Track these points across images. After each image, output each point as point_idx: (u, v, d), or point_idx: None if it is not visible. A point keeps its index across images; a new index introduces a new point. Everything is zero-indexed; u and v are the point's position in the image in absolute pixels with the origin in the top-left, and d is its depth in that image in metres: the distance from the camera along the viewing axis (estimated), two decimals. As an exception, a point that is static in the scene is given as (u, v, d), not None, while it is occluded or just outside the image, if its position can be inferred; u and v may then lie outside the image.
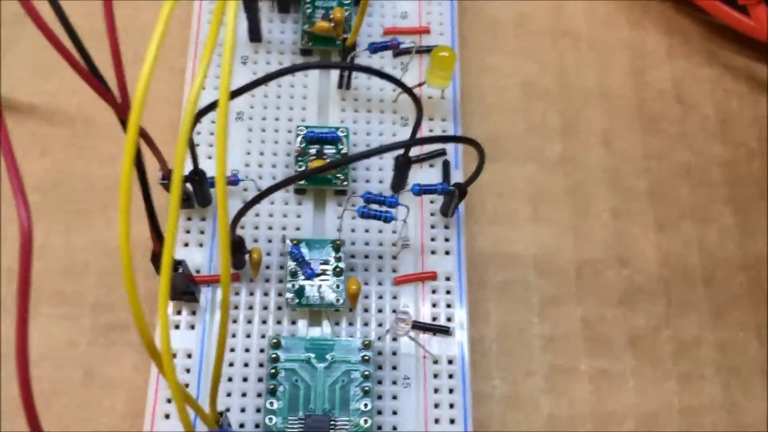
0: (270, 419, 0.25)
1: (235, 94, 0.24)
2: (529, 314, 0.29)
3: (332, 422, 0.24)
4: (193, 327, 0.26)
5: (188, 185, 0.27)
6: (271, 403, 0.25)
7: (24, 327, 0.16)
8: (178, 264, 0.25)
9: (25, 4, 0.18)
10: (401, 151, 0.27)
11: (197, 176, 0.26)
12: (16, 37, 0.32)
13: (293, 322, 0.27)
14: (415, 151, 0.28)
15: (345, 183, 0.28)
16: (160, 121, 0.28)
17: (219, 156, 0.17)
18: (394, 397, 0.26)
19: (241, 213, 0.25)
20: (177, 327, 0.26)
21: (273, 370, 0.25)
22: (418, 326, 0.26)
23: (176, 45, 0.32)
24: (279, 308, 0.27)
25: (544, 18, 0.35)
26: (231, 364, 0.26)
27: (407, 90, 0.25)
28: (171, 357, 0.18)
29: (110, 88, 0.21)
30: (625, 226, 0.31)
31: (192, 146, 0.26)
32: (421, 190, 0.26)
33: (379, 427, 0.25)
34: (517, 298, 0.29)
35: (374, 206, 0.26)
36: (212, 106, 0.24)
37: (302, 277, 0.26)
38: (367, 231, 0.28)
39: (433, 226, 0.28)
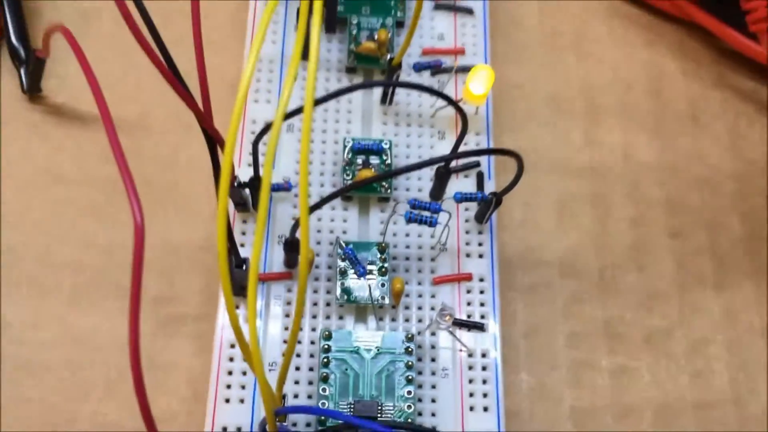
0: (323, 403, 0.27)
1: (295, 112, 0.26)
2: (554, 314, 0.32)
3: (379, 407, 0.27)
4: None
5: (246, 191, 0.29)
6: (324, 390, 0.27)
7: (136, 321, 0.18)
8: (243, 261, 0.27)
9: (120, 5, 0.20)
10: (442, 163, 0.29)
11: (257, 182, 0.29)
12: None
13: (341, 317, 0.29)
14: (452, 163, 0.31)
15: (388, 191, 0.31)
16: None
17: (302, 168, 0.19)
18: (433, 386, 0.28)
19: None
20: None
21: (325, 359, 0.28)
22: (456, 322, 0.28)
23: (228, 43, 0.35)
24: (328, 304, 0.29)
25: (569, 39, 0.37)
26: (283, 354, 0.28)
27: (455, 106, 0.28)
28: (258, 348, 0.20)
29: (194, 97, 0.23)
30: (643, 233, 0.33)
31: (255, 155, 0.28)
32: (462, 198, 0.29)
33: (420, 413, 0.28)
34: (543, 299, 0.32)
35: (419, 212, 0.29)
36: (294, 113, 0.26)
37: (351, 276, 0.29)
38: (407, 235, 0.31)
39: (468, 232, 0.31)
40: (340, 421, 0.25)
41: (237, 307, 0.29)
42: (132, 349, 0.19)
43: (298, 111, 0.25)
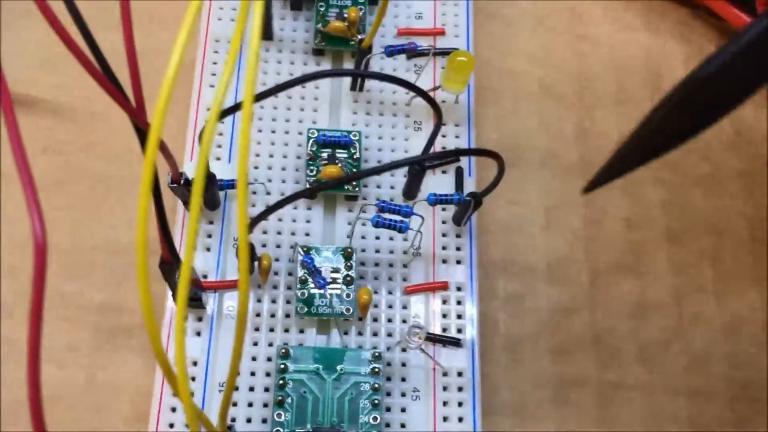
0: (278, 431, 0.24)
1: (257, 98, 0.23)
2: (539, 325, 0.29)
3: (340, 435, 0.24)
4: (199, 334, 0.26)
5: (197, 188, 0.26)
6: (279, 415, 0.24)
7: (36, 339, 0.15)
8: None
9: None
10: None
11: (208, 179, 0.26)
12: (19, 27, 0.31)
13: (301, 331, 0.26)
14: (428, 157, 0.28)
15: (356, 189, 0.28)
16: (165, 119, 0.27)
17: (241, 162, 0.16)
18: (403, 410, 0.26)
19: (257, 220, 0.24)
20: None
21: (281, 381, 0.25)
22: (430, 337, 0.25)
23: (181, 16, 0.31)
24: (287, 316, 0.26)
25: (562, 20, 0.34)
26: (237, 373, 0.25)
27: (428, 99, 0.24)
28: (186, 377, 0.17)
29: (125, 92, 0.20)
30: (639, 236, 0.30)
31: (203, 150, 0.25)
32: (437, 200, 0.26)
33: (388, 440, 0.25)
34: (527, 309, 0.29)
35: (388, 215, 0.25)
36: (235, 108, 0.23)
37: (312, 286, 0.26)
38: (377, 238, 0.28)
39: (444, 235, 0.28)
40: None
41: (185, 319, 0.26)
42: (30, 381, 0.16)
43: (237, 108, 0.22)
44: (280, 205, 0.24)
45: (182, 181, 0.25)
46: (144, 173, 0.17)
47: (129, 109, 0.20)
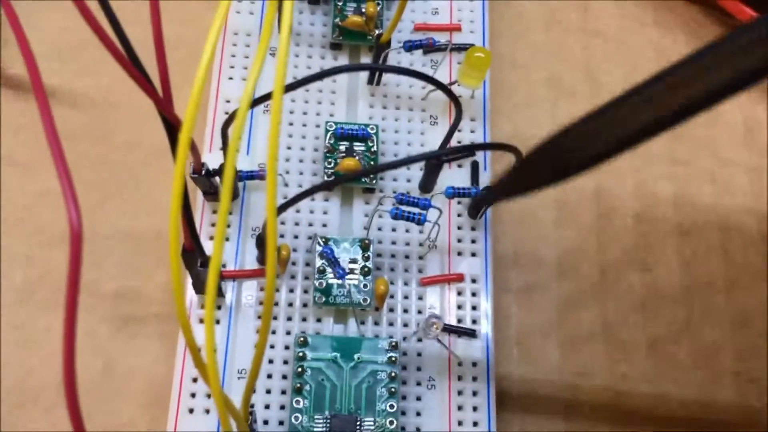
0: (296, 417, 0.25)
1: (264, 98, 0.24)
2: (550, 318, 0.29)
3: (358, 422, 0.25)
4: (218, 322, 0.26)
5: (217, 179, 0.27)
6: (297, 402, 0.25)
7: (72, 329, 0.16)
8: (207, 259, 0.24)
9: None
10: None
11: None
12: (37, 17, 0.32)
13: (318, 320, 0.27)
14: (444, 151, 0.28)
15: (374, 181, 0.28)
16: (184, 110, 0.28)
17: (271, 151, 0.17)
18: (419, 399, 0.26)
19: (279, 211, 0.24)
20: (201, 321, 0.26)
21: (299, 369, 0.25)
22: (446, 328, 0.26)
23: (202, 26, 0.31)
24: (305, 305, 0.27)
25: (573, 15, 0.34)
26: (260, 363, 0.26)
27: (448, 93, 0.25)
28: (216, 364, 0.18)
29: (151, 80, 0.20)
30: (649, 230, 0.31)
31: (225, 140, 0.26)
32: (455, 193, 0.26)
33: (403, 428, 0.25)
34: (539, 301, 0.29)
35: (406, 208, 0.26)
36: (264, 98, 0.23)
37: (330, 275, 0.26)
38: (394, 230, 0.28)
39: (459, 227, 0.28)
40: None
41: (203, 307, 0.26)
42: (66, 363, 0.16)
43: (268, 97, 0.22)
44: (291, 203, 0.25)
45: (203, 172, 0.26)
46: (176, 170, 0.17)
47: (156, 98, 0.20)
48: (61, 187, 0.16)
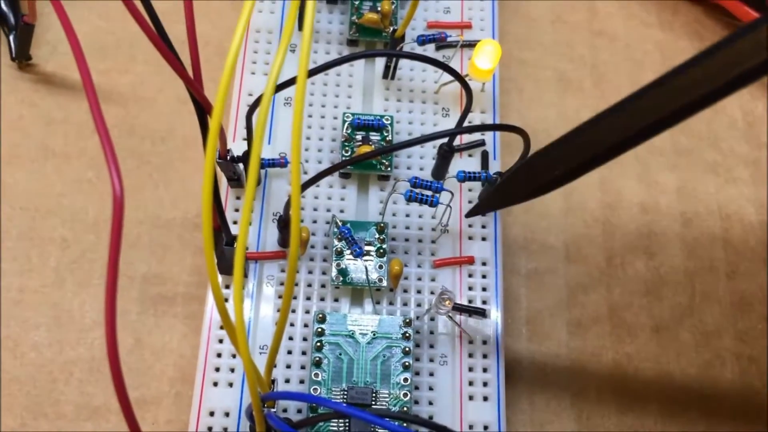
0: (315, 389, 0.26)
1: (288, 83, 0.25)
2: (559, 300, 0.30)
3: (374, 394, 0.26)
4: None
5: (240, 165, 0.28)
6: (316, 375, 0.26)
7: (113, 300, 0.17)
8: (234, 239, 0.26)
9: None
10: (445, 140, 0.28)
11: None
12: (71, 17, 0.33)
13: (336, 300, 0.28)
14: (455, 141, 0.29)
15: (389, 168, 0.29)
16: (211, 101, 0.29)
17: (294, 139, 0.18)
18: (431, 374, 0.27)
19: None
20: (226, 300, 0.28)
21: (318, 343, 0.26)
22: (457, 307, 0.27)
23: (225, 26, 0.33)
24: (323, 286, 0.28)
25: (580, 16, 0.36)
26: (281, 339, 0.27)
27: (460, 79, 0.26)
28: (245, 332, 0.19)
29: (185, 65, 0.22)
30: (653, 219, 0.32)
31: (249, 128, 0.27)
32: (466, 177, 0.28)
33: (417, 402, 0.27)
34: (548, 285, 0.31)
35: (420, 190, 0.27)
36: (289, 83, 0.25)
37: (347, 257, 0.28)
38: (407, 215, 0.29)
39: (470, 213, 0.30)
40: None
41: (227, 287, 0.28)
42: (108, 330, 0.17)
43: (291, 82, 0.24)
44: (312, 181, 0.26)
45: (228, 158, 0.27)
46: (209, 143, 0.19)
47: (188, 79, 0.22)
48: (105, 158, 0.18)
